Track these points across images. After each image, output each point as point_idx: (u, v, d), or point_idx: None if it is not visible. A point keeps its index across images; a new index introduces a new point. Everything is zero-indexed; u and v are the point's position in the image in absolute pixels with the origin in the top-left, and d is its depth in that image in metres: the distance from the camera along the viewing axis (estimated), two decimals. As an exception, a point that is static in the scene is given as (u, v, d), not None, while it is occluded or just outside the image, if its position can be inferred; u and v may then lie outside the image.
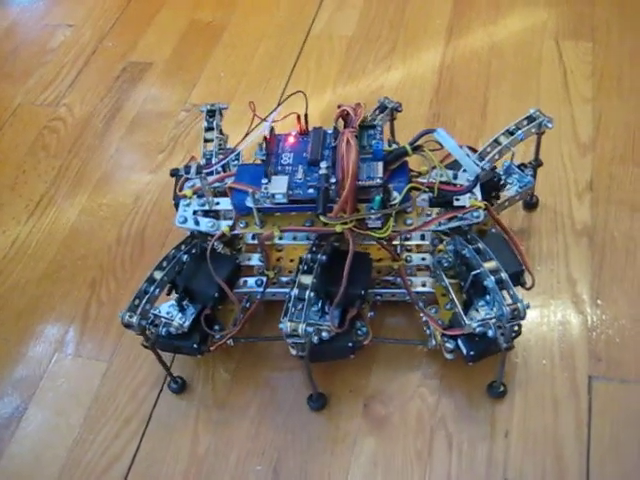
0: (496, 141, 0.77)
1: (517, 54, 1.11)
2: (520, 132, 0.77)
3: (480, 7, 1.20)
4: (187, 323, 0.73)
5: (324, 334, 0.69)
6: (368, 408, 0.76)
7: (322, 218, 0.66)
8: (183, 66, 1.21)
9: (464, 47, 1.14)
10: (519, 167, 0.84)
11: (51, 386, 0.83)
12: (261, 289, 0.79)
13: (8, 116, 1.16)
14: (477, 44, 1.14)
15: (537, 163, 0.84)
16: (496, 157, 0.77)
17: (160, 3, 1.33)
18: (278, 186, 0.68)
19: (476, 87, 1.07)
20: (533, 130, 0.78)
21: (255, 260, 0.81)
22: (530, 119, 0.78)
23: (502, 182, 0.81)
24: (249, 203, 0.68)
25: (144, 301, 0.70)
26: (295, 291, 0.67)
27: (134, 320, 0.69)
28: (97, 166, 1.07)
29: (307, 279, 0.68)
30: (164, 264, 0.74)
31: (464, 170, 0.71)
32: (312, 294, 0.67)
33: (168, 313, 0.73)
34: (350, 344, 0.71)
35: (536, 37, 1.13)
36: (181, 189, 0.76)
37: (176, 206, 0.81)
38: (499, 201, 0.81)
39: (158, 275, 0.72)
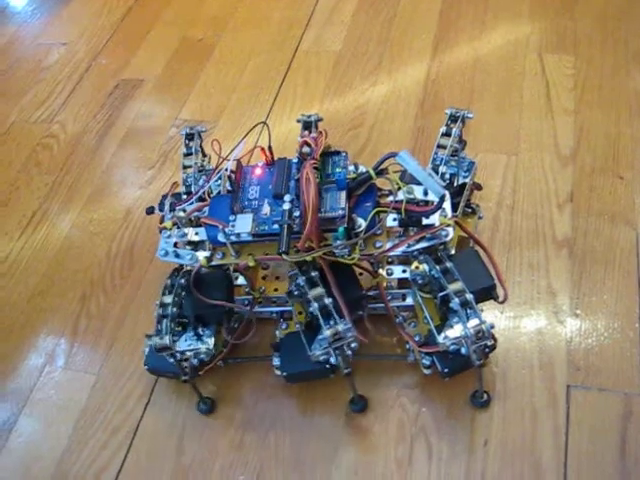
0: (440, 146, 0.79)
1: (501, 68, 1.13)
2: (454, 130, 0.80)
3: (465, 22, 1.22)
4: (212, 345, 0.74)
5: (353, 345, 0.68)
6: (350, 417, 0.77)
7: (285, 257, 0.66)
8: (174, 83, 1.23)
9: (449, 61, 1.16)
10: (452, 155, 0.83)
11: (41, 398, 0.84)
12: (247, 309, 0.80)
13: (2, 134, 1.19)
14: (462, 58, 1.15)
15: (462, 144, 0.84)
16: (462, 155, 0.80)
17: (152, 21, 1.36)
18: (243, 225, 0.69)
19: (460, 100, 1.08)
20: (461, 125, 0.81)
21: (242, 280, 0.82)
22: (453, 118, 0.81)
23: (451, 175, 0.80)
24: (220, 238, 0.70)
25: (168, 321, 0.71)
26: (314, 304, 0.68)
27: (166, 340, 0.70)
28: (89, 182, 1.09)
29: (318, 290, 0.69)
30: (167, 292, 0.74)
31: None
32: (330, 300, 0.68)
33: (189, 345, 0.74)
34: (328, 366, 0.72)
35: (519, 51, 1.14)
36: (162, 221, 0.78)
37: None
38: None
39: (168, 299, 0.73)
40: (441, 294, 0.68)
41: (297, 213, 0.67)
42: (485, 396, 0.76)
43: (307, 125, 0.81)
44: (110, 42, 1.34)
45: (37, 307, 0.93)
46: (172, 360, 0.72)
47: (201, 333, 0.75)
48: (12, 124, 1.20)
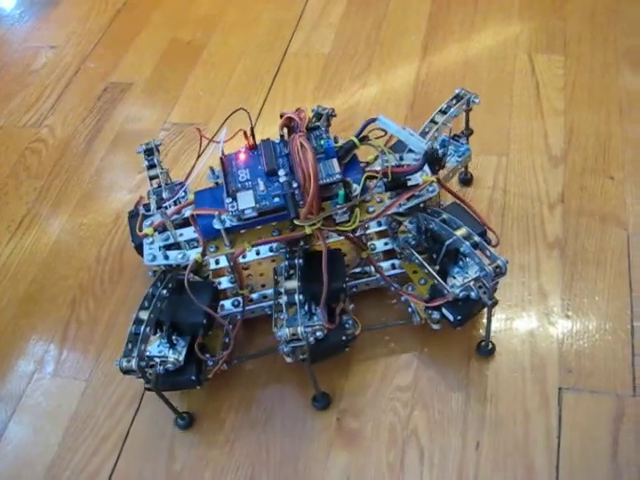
0: (433, 121, 0.82)
1: (491, 68, 1.13)
2: (453, 109, 0.82)
3: (454, 23, 1.22)
4: (182, 357, 0.73)
5: (318, 333, 0.69)
6: (341, 422, 0.77)
7: (297, 222, 0.67)
8: (163, 85, 1.22)
9: (439, 62, 1.15)
10: (453, 138, 0.86)
11: (31, 405, 0.84)
12: (240, 309, 0.80)
13: (-10, 138, 1.18)
14: (451, 59, 1.15)
15: (468, 132, 0.87)
16: (435, 135, 0.82)
17: (141, 24, 1.35)
18: (246, 201, 0.69)
19: (450, 102, 1.08)
20: (463, 107, 0.83)
21: (225, 283, 0.83)
22: (458, 97, 0.83)
23: (443, 155, 0.81)
24: (217, 225, 0.69)
25: (138, 343, 0.69)
26: (284, 298, 0.69)
27: (132, 364, 0.68)
28: (78, 186, 1.08)
29: (292, 284, 0.70)
30: (146, 304, 0.72)
31: (409, 151, 0.76)
32: (301, 297, 0.69)
33: (160, 352, 0.72)
34: (343, 337, 0.74)
35: (509, 51, 1.14)
36: (141, 229, 0.77)
37: (136, 248, 0.82)
38: (443, 172, 0.84)
39: (144, 315, 0.71)
40: (448, 242, 0.71)
41: (295, 184, 0.68)
42: (490, 345, 0.78)
43: (319, 117, 0.81)
44: (98, 45, 1.33)
45: (26, 313, 0.93)
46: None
47: (175, 342, 0.74)
48: (1, 128, 1.20)
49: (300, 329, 0.67)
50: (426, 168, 0.74)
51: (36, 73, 1.30)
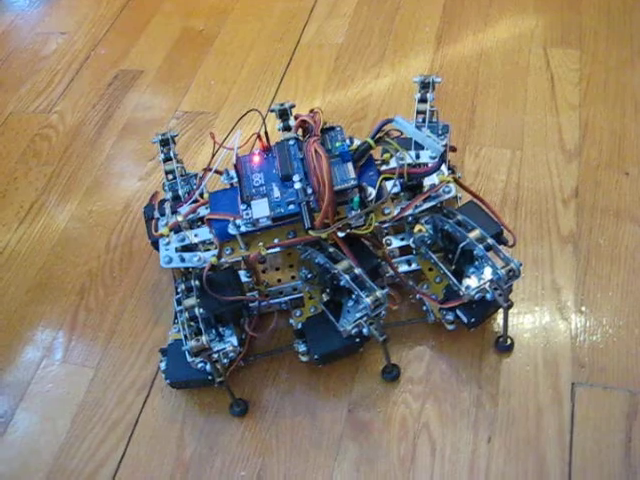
0: (419, 112, 0.82)
1: (505, 61, 1.12)
2: (430, 95, 0.82)
3: (469, 15, 1.21)
4: (236, 343, 0.73)
5: (383, 313, 0.69)
6: (352, 413, 0.76)
7: (312, 233, 0.67)
8: (174, 74, 1.21)
9: (453, 54, 1.14)
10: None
11: (39, 392, 0.83)
12: (256, 304, 0.80)
13: (0, 124, 1.17)
14: (466, 51, 1.14)
15: (435, 111, 0.86)
16: (434, 120, 0.83)
17: (152, 11, 1.35)
18: (260, 210, 0.68)
19: (464, 94, 1.07)
20: (433, 89, 0.84)
21: (242, 277, 0.82)
22: (424, 84, 0.83)
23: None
24: (232, 231, 0.69)
25: (199, 323, 0.70)
26: (346, 276, 0.68)
27: (203, 341, 0.68)
28: (87, 173, 1.07)
29: (345, 263, 0.70)
30: (189, 295, 0.73)
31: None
32: (360, 270, 0.69)
33: (215, 347, 0.72)
34: (358, 340, 0.73)
35: (524, 45, 1.13)
36: (156, 229, 0.77)
37: (153, 244, 0.82)
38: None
39: (192, 301, 0.71)
40: (462, 244, 0.70)
41: (310, 190, 0.67)
42: (509, 340, 0.78)
43: (282, 113, 0.80)
44: (110, 32, 1.32)
45: (35, 300, 0.92)
46: (207, 364, 0.71)
47: (222, 333, 0.74)
48: (10, 114, 1.19)
49: (379, 292, 0.66)
50: (443, 167, 0.74)
51: (46, 59, 1.29)
